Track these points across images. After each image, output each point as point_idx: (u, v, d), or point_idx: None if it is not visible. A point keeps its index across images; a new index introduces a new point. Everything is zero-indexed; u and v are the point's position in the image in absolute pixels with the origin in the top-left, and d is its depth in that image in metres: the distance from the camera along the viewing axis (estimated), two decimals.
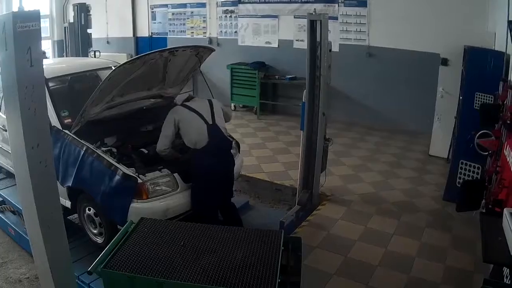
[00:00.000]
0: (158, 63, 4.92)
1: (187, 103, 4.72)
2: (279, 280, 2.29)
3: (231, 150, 4.99)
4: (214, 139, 4.59)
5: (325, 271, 4.44)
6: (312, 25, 5.31)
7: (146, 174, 4.39)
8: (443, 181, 6.40)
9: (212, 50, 5.25)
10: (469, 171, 5.79)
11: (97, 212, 4.62)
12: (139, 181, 4.27)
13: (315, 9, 5.88)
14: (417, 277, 4.41)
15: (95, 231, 4.76)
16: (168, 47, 5.06)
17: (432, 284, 4.30)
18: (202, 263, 2.38)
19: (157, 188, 4.41)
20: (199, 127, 4.56)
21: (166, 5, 12.36)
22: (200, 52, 5.10)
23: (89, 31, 11.14)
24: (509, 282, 3.20)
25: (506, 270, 3.37)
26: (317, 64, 5.37)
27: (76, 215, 5.01)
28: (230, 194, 5.04)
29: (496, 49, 6.28)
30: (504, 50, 5.36)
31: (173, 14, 12.33)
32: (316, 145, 5.59)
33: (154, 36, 12.77)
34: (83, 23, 10.98)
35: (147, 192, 4.31)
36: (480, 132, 5.09)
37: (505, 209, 3.17)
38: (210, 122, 4.61)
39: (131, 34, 13.01)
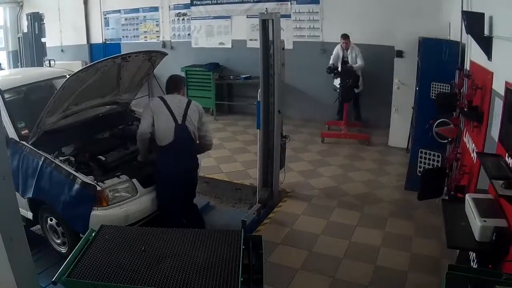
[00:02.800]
0: (111, 70, 4.94)
1: (164, 97, 4.69)
2: (241, 279, 2.30)
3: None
4: (178, 139, 4.54)
5: (291, 267, 4.43)
6: (264, 24, 5.33)
7: (105, 181, 4.39)
8: (403, 171, 6.48)
9: (165, 54, 5.30)
10: (429, 159, 5.86)
11: (59, 222, 4.63)
12: (98, 188, 4.27)
13: (266, 8, 5.90)
14: (384, 266, 4.43)
15: (58, 241, 4.77)
16: (121, 53, 5.06)
17: (399, 272, 4.33)
18: (163, 266, 2.39)
19: (117, 194, 4.42)
20: (167, 124, 4.53)
21: (118, 11, 12.28)
22: (152, 57, 5.15)
23: (43, 40, 11.03)
24: (475, 266, 3.16)
25: (472, 254, 3.36)
26: (270, 63, 5.40)
27: (38, 226, 5.01)
28: (192, 196, 5.03)
29: (451, 39, 6.34)
30: (459, 40, 5.40)
31: (126, 19, 12.26)
32: (273, 143, 5.61)
33: (108, 42, 12.66)
34: (37, 32, 10.87)
35: (106, 199, 4.31)
36: (438, 120, 5.11)
37: (467, 195, 3.19)
38: (180, 122, 4.55)
39: (85, 42, 12.86)
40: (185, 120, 4.58)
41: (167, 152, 4.56)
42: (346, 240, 4.93)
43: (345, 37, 8.66)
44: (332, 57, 8.89)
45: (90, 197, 4.24)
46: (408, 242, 4.85)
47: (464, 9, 4.95)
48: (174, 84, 4.80)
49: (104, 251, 2.54)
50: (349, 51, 8.68)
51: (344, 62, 8.71)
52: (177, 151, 4.57)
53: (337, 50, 8.81)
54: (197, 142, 4.83)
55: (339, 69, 8.58)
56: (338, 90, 8.58)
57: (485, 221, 2.74)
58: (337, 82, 8.71)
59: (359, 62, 8.54)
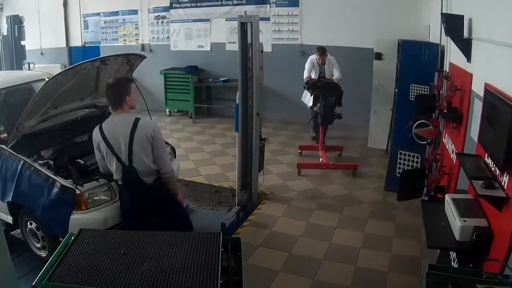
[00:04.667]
0: (90, 73, 4.92)
1: (103, 125, 4.00)
2: (220, 281, 2.28)
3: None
4: (128, 182, 4.07)
5: (271, 269, 4.41)
6: (243, 27, 5.33)
7: (84, 185, 4.36)
8: (383, 172, 6.53)
9: (143, 57, 5.23)
10: (408, 160, 5.92)
11: (39, 226, 4.62)
12: (77, 192, 4.25)
13: (245, 11, 5.90)
14: (364, 267, 4.44)
15: (38, 245, 4.77)
16: (99, 56, 4.99)
17: (380, 273, 4.34)
18: (143, 269, 2.37)
19: (96, 198, 4.39)
20: (115, 165, 4.01)
21: (98, 14, 12.20)
22: (131, 59, 5.09)
23: (23, 43, 11.05)
24: (456, 266, 3.17)
25: (452, 254, 3.37)
26: (249, 66, 5.40)
27: (18, 230, 5.00)
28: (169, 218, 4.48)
29: (431, 41, 6.40)
30: (438, 42, 5.45)
31: (105, 22, 12.19)
32: (252, 146, 5.61)
33: (87, 45, 12.57)
34: (16, 35, 10.89)
35: (85, 202, 4.28)
36: (418, 122, 5.15)
37: (446, 195, 3.20)
38: (126, 163, 3.93)
39: (64, 45, 12.76)
40: (132, 161, 3.91)
41: (122, 191, 4.28)
42: (326, 241, 4.92)
43: (321, 53, 7.92)
44: (306, 68, 8.08)
45: (69, 200, 4.21)
46: (388, 243, 4.87)
47: (444, 11, 5.00)
48: (114, 96, 3.97)
49: (83, 254, 2.50)
50: (326, 65, 8.01)
51: (321, 78, 7.92)
52: (131, 193, 4.13)
53: (312, 62, 8.07)
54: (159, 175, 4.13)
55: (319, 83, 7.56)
56: (315, 109, 7.55)
57: (465, 221, 2.76)
58: (307, 98, 7.99)
59: (336, 74, 7.85)
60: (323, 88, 7.33)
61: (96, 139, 4.02)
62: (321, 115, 7.25)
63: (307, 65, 8.09)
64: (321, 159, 7.29)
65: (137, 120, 3.91)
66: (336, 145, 8.00)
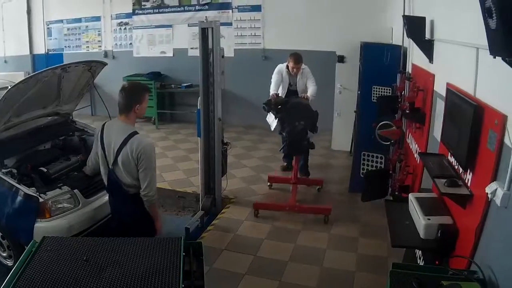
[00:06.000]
0: (51, 81, 4.86)
1: (106, 125, 3.95)
2: (182, 286, 2.32)
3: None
4: (110, 186, 4.01)
5: (236, 272, 4.39)
6: (204, 32, 5.34)
7: (47, 193, 4.32)
8: (347, 174, 6.54)
9: (104, 64, 5.20)
10: (372, 161, 5.99)
11: (3, 235, 4.58)
12: (41, 200, 4.21)
13: (206, 17, 5.92)
14: (331, 268, 4.45)
15: (4, 254, 4.70)
16: (61, 64, 4.94)
17: (347, 273, 4.35)
18: (105, 276, 2.37)
19: (59, 205, 4.36)
20: (102, 164, 3.98)
21: (61, 21, 12.06)
22: (92, 67, 5.07)
23: None
24: (422, 263, 3.21)
25: (418, 252, 3.40)
26: (210, 71, 5.40)
27: None
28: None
29: (394, 43, 6.50)
30: (401, 44, 5.52)
31: (68, 29, 12.05)
32: (215, 150, 5.61)
33: (50, 53, 12.39)
34: None
35: (49, 210, 4.25)
36: (381, 123, 5.20)
37: (410, 194, 3.25)
38: (110, 166, 3.86)
39: (28, 52, 12.54)
40: (116, 165, 3.80)
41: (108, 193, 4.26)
42: (291, 243, 4.93)
43: (296, 60, 6.57)
44: (273, 82, 6.67)
45: (33, 208, 4.19)
46: (354, 243, 4.89)
47: (406, 13, 5.08)
48: (123, 101, 3.81)
49: (46, 262, 2.50)
50: (298, 76, 6.70)
51: (291, 91, 6.72)
52: (113, 197, 4.11)
53: (280, 73, 6.70)
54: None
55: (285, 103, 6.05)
56: (284, 133, 5.89)
57: (429, 219, 2.79)
58: (271, 119, 6.36)
59: (311, 88, 6.56)
60: (289, 110, 5.90)
61: (96, 132, 4.08)
62: (287, 143, 5.88)
63: (274, 77, 6.72)
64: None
65: (131, 135, 3.73)
66: (315, 178, 6.64)
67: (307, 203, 5.99)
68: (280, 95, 6.52)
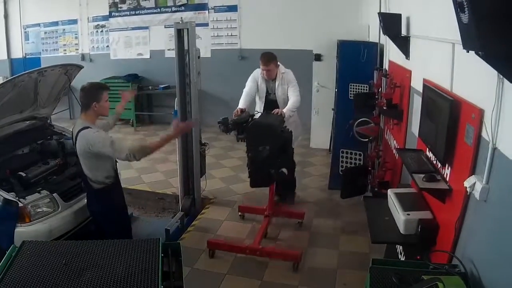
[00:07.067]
0: (28, 85, 4.86)
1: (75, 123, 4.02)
2: (162, 287, 2.32)
3: None
4: (83, 182, 4.27)
5: (218, 272, 4.38)
6: (179, 33, 5.32)
7: (26, 197, 4.31)
8: (326, 171, 6.57)
9: (81, 67, 5.23)
10: (351, 158, 6.01)
11: None
12: (20, 205, 4.21)
13: (182, 17, 5.99)
14: (312, 266, 4.44)
15: None
16: (37, 68, 4.94)
17: (328, 270, 4.34)
18: (84, 279, 2.35)
19: (38, 210, 4.36)
20: None
21: (38, 24, 11.95)
22: (69, 70, 5.10)
23: None
24: (403, 259, 3.22)
25: (399, 248, 3.41)
26: (186, 72, 5.38)
27: None
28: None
29: (370, 40, 6.53)
30: (377, 41, 5.55)
31: (45, 33, 11.96)
32: (193, 151, 5.60)
33: (28, 57, 12.30)
34: None
35: (29, 215, 4.26)
36: (359, 120, 5.22)
37: (389, 190, 3.26)
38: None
39: (5, 56, 12.45)
40: (79, 161, 3.98)
41: None
42: (272, 242, 4.92)
43: (265, 60, 5.36)
44: (244, 93, 5.51)
45: (12, 213, 4.18)
46: (336, 240, 4.89)
47: (382, 11, 5.11)
48: (82, 100, 3.94)
49: (26, 267, 2.49)
50: (277, 82, 5.52)
51: (270, 101, 5.58)
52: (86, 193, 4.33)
53: (255, 80, 5.57)
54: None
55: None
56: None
57: (408, 214, 2.80)
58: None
59: (293, 98, 5.33)
60: (249, 131, 4.66)
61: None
62: (249, 171, 4.62)
63: (247, 86, 5.59)
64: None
65: (79, 131, 3.79)
66: (295, 210, 5.46)
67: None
68: (257, 108, 5.67)
